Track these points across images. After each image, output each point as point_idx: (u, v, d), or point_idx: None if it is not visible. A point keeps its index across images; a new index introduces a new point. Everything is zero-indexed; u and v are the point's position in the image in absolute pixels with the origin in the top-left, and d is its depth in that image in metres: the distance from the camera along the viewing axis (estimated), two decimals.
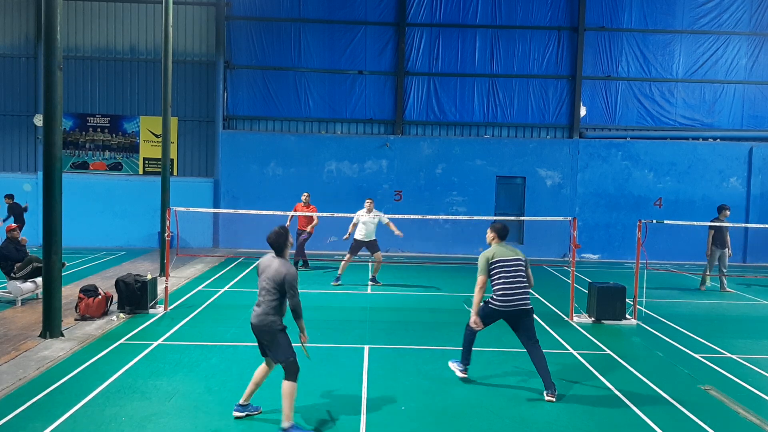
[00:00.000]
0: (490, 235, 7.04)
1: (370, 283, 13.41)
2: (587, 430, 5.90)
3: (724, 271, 13.58)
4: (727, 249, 13.48)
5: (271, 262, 5.85)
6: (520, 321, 6.81)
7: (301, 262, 15.08)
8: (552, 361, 8.05)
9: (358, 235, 13.12)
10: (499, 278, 6.74)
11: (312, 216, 14.57)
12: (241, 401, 6.05)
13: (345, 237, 13.51)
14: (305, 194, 14.78)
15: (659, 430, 5.90)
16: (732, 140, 19.36)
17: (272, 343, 5.76)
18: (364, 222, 13.07)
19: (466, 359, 7.19)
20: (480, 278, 6.82)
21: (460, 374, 7.17)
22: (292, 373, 5.61)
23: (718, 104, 19.57)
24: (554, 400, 6.58)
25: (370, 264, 15.67)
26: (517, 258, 6.83)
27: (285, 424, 5.56)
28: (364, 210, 13.21)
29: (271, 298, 5.77)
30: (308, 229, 14.71)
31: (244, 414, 5.99)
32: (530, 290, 6.91)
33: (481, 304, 6.87)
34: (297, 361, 5.67)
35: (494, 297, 6.79)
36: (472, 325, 6.91)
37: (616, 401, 6.66)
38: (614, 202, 19.26)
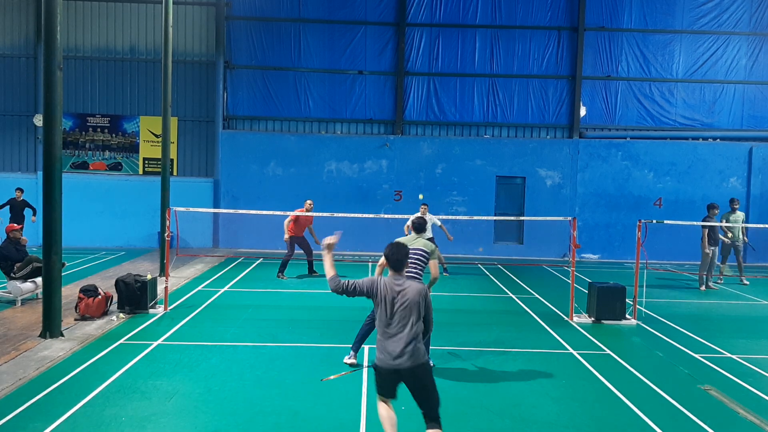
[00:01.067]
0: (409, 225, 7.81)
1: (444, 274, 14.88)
2: (587, 430, 5.90)
3: (713, 269, 13.84)
4: (717, 247, 13.78)
5: (400, 284, 4.77)
6: None
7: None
8: (552, 361, 8.06)
9: None
10: None
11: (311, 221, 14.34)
12: None
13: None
14: (310, 202, 14.24)
15: (659, 430, 5.89)
16: (732, 140, 19.36)
17: (429, 383, 4.74)
18: None
19: (357, 346, 7.77)
20: (382, 259, 7.35)
21: (348, 360, 7.67)
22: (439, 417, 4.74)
23: (718, 104, 19.57)
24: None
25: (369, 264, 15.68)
26: (417, 249, 7.36)
27: None
28: (419, 214, 13.97)
29: (414, 325, 4.71)
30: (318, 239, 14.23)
31: None
32: (436, 280, 7.48)
33: None
34: None
35: None
36: None
37: (616, 401, 6.65)
38: (614, 202, 19.26)
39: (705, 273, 13.78)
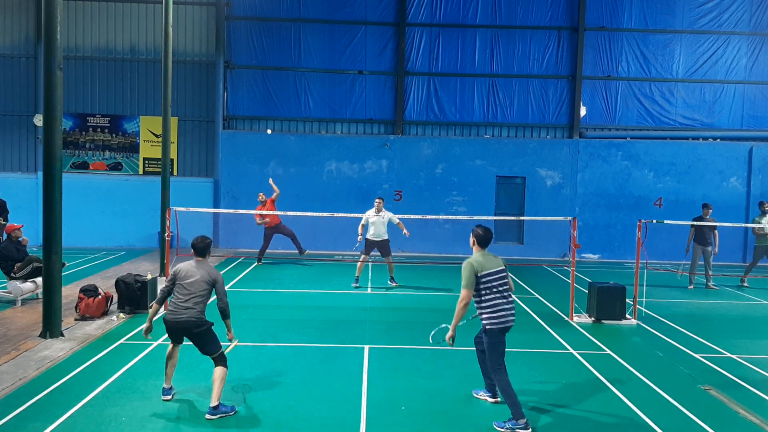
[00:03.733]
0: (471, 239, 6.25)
1: (390, 283, 13.25)
2: (587, 430, 5.90)
3: (710, 270, 13.83)
4: (710, 247, 13.73)
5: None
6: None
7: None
8: (552, 361, 8.06)
9: (369, 234, 12.98)
10: (490, 293, 6.00)
11: (273, 213, 14.93)
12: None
13: (359, 239, 13.22)
14: (261, 194, 15.97)
15: (659, 430, 5.90)
16: (732, 140, 19.36)
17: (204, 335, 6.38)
18: (373, 222, 12.89)
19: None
20: (466, 292, 5.95)
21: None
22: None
23: (718, 104, 19.57)
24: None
25: (370, 264, 15.68)
26: (501, 269, 6.11)
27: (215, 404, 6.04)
28: (373, 210, 13.03)
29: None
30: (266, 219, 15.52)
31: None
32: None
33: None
34: None
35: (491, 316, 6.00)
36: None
37: (616, 401, 6.66)
38: (614, 202, 19.26)
39: (693, 272, 13.86)
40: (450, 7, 19.23)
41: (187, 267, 6.39)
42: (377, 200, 13.13)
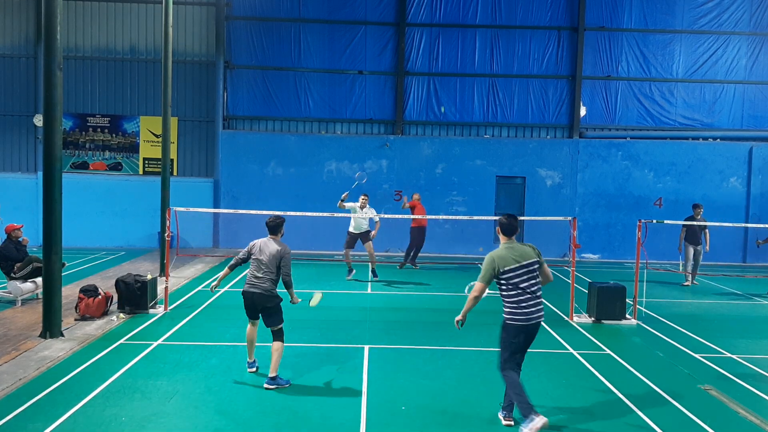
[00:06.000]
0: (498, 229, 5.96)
1: (371, 277, 13.83)
2: (587, 430, 5.90)
3: (696, 267, 14.07)
4: (700, 246, 13.91)
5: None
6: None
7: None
8: (552, 361, 8.06)
9: (351, 228, 13.63)
10: (511, 289, 5.72)
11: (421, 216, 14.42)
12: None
13: (343, 197, 13.64)
14: (416, 195, 16.16)
15: (659, 430, 5.90)
16: (732, 140, 19.36)
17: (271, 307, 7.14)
18: (356, 216, 13.50)
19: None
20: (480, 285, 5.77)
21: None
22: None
23: (718, 104, 19.57)
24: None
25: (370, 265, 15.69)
26: (530, 261, 5.78)
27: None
28: (358, 204, 13.59)
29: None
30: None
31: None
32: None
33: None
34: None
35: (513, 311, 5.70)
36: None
37: (616, 401, 6.66)
38: (614, 202, 19.26)
39: (689, 272, 13.95)
40: (450, 7, 19.23)
41: (261, 243, 7.09)
42: (363, 196, 13.69)
